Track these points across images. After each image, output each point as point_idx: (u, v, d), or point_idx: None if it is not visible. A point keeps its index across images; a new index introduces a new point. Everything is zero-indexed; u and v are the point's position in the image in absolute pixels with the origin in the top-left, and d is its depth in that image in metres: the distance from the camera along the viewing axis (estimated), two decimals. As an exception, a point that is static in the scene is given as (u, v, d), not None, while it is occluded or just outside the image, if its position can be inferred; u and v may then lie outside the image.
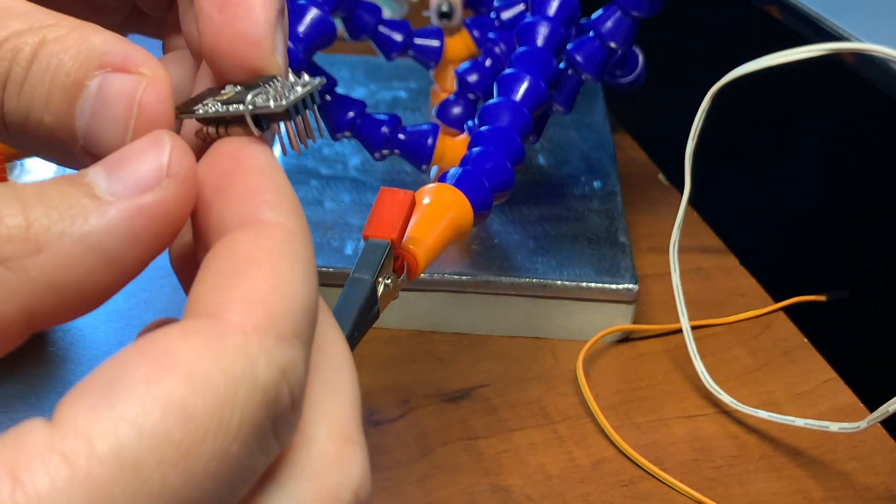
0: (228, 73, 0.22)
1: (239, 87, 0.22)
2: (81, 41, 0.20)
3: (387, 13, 0.57)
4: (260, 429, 0.17)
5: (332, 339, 0.21)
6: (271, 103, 0.21)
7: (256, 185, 0.20)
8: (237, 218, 0.19)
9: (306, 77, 0.22)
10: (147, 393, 0.16)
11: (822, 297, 0.52)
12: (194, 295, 0.18)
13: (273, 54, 0.22)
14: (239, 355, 0.17)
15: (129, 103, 0.20)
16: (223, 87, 0.22)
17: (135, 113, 0.20)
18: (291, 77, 0.22)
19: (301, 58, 0.45)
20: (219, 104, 0.22)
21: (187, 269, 0.22)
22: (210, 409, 0.16)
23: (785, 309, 0.52)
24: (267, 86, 0.22)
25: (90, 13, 0.27)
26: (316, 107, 0.22)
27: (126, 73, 0.20)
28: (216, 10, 0.22)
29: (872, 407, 0.39)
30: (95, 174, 0.19)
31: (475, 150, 0.42)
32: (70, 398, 0.16)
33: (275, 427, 0.17)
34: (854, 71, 0.48)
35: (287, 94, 0.22)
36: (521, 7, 0.50)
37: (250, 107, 0.21)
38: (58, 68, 0.20)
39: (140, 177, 0.19)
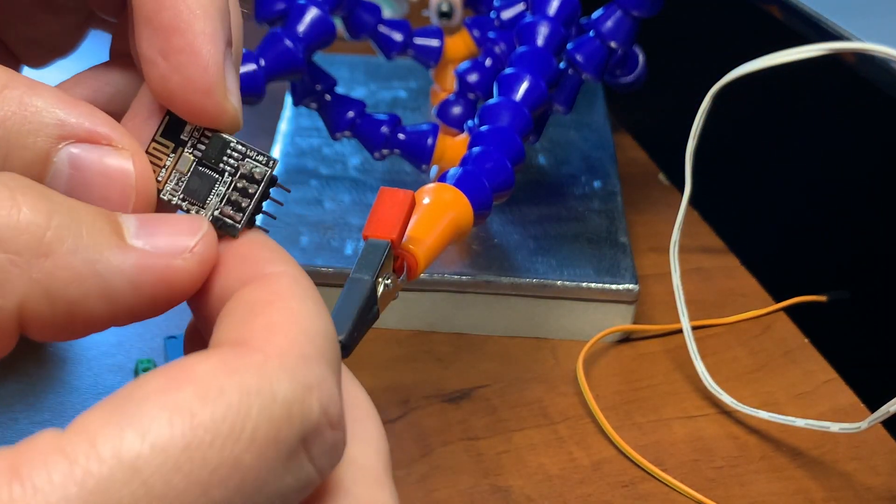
0: (181, 116, 0.22)
1: (190, 142, 0.22)
2: (24, 105, 0.19)
3: (387, 13, 0.57)
4: (283, 444, 0.16)
5: (352, 390, 0.21)
6: (231, 220, 0.22)
7: (249, 251, 0.21)
8: (240, 281, 0.20)
9: (259, 158, 0.22)
10: (157, 402, 0.16)
11: (822, 298, 0.52)
12: (214, 341, 0.19)
13: (226, 99, 0.21)
14: (257, 372, 0.17)
15: (124, 188, 0.20)
16: (174, 128, 0.22)
17: (133, 199, 0.20)
18: (245, 148, 0.22)
19: (301, 57, 0.45)
20: (181, 193, 0.22)
21: (190, 341, 0.23)
22: (220, 418, 0.16)
23: (785, 309, 0.51)
24: (223, 165, 0.22)
25: (48, 13, 0.26)
26: (274, 185, 0.22)
27: (98, 146, 0.20)
28: (159, 56, 0.21)
29: (873, 407, 0.39)
30: (127, 219, 0.19)
31: (475, 149, 0.42)
32: (86, 411, 0.16)
33: (307, 446, 0.17)
34: (854, 71, 0.48)
35: (242, 184, 0.22)
36: (521, 6, 0.50)
37: (215, 214, 0.22)
38: (12, 141, 0.19)
39: (166, 243, 0.19)
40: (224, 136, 0.22)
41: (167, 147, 0.22)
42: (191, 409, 0.16)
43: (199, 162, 0.22)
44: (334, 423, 0.17)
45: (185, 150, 0.22)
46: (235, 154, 0.22)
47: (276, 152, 0.56)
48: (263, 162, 0.22)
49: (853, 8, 0.50)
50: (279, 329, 0.18)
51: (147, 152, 0.22)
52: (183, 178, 0.22)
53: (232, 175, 0.22)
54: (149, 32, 0.21)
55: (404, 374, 0.46)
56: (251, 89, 0.45)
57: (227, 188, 0.22)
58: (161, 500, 0.15)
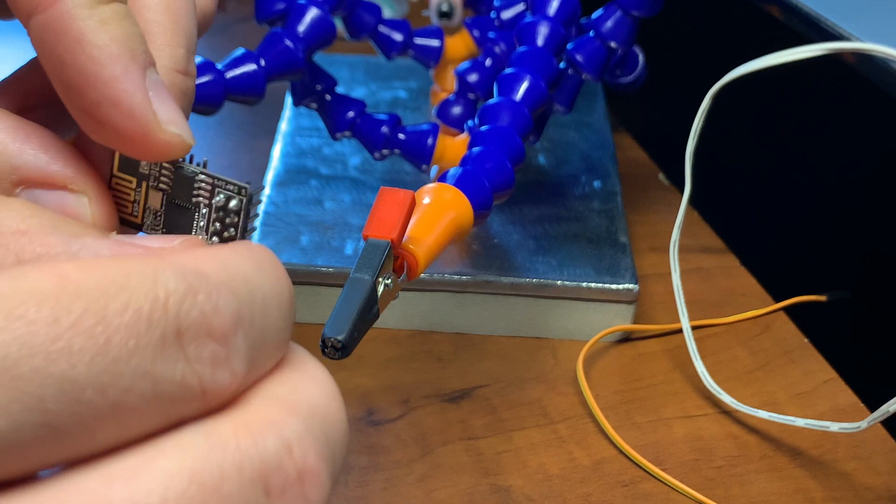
0: (131, 156, 0.21)
1: (152, 175, 0.21)
2: None
3: (387, 13, 0.57)
4: (154, 324, 0.16)
5: (310, 366, 0.19)
6: (216, 237, 0.21)
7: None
8: None
9: (229, 188, 0.21)
10: (36, 265, 0.16)
11: (822, 297, 0.52)
12: None
13: (163, 132, 0.20)
14: (144, 262, 0.16)
15: None
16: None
17: None
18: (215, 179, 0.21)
19: (301, 57, 0.45)
20: (162, 228, 0.21)
21: None
22: (92, 283, 0.16)
23: (785, 309, 0.52)
24: (195, 199, 0.21)
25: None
26: (253, 207, 0.22)
27: (54, 191, 0.20)
28: (81, 112, 0.20)
29: (873, 407, 0.39)
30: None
31: (475, 149, 0.42)
32: None
33: (181, 341, 0.16)
34: (854, 71, 0.48)
35: (218, 211, 0.21)
36: (521, 7, 0.50)
37: (206, 236, 0.21)
38: None
39: (148, 241, 0.19)
40: (185, 171, 0.21)
41: (129, 181, 0.21)
42: (66, 272, 0.16)
43: (171, 198, 0.21)
44: (217, 335, 0.17)
45: (150, 184, 0.21)
46: (204, 186, 0.21)
47: (276, 152, 0.56)
48: (235, 191, 0.21)
49: (853, 8, 0.50)
50: (194, 252, 0.18)
51: (111, 187, 0.21)
52: (160, 214, 0.21)
53: (208, 208, 0.21)
54: (62, 89, 0.20)
55: (404, 373, 0.46)
56: (251, 89, 0.45)
57: (208, 221, 0.21)
58: (19, 320, 0.15)
